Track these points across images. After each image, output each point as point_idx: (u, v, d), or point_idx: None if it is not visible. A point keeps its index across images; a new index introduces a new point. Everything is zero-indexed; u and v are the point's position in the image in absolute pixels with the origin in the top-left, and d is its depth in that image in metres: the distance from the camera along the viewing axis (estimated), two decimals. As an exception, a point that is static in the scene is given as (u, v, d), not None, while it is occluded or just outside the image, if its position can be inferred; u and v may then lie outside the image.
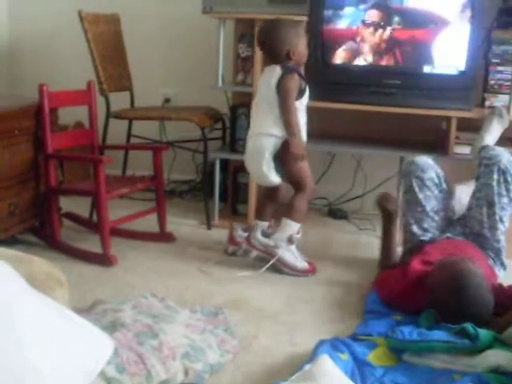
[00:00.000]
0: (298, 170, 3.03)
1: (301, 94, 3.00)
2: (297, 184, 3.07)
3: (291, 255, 3.01)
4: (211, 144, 3.66)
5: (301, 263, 3.02)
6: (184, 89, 4.27)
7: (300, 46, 3.01)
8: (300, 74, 3.01)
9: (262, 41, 3.08)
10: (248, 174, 3.49)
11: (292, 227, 3.02)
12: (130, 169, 3.90)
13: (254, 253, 3.11)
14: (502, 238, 2.84)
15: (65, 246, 3.16)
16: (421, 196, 2.90)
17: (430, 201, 2.91)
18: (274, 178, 3.01)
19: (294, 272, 2.99)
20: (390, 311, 2.49)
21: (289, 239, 3.01)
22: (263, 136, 2.98)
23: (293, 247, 3.02)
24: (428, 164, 2.96)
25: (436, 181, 2.95)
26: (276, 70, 2.99)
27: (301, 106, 3.02)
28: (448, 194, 3.00)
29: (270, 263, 2.98)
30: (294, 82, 2.97)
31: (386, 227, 2.99)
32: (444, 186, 2.97)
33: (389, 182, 3.82)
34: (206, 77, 3.75)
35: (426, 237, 2.88)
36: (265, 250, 3.04)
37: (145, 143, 4.04)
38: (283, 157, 2.98)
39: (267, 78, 3.03)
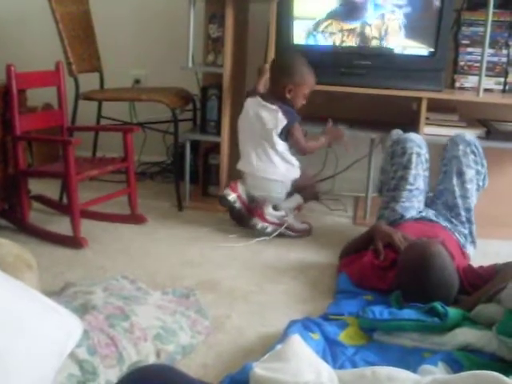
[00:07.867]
0: None
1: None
2: None
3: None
4: (182, 125, 3.64)
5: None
6: (154, 70, 4.24)
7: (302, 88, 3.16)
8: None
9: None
10: (218, 156, 3.52)
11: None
12: (100, 151, 3.88)
13: (270, 227, 3.18)
14: (473, 209, 2.89)
15: (34, 229, 3.13)
16: (414, 173, 2.90)
17: (419, 180, 2.92)
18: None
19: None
20: (361, 291, 2.50)
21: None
22: (267, 181, 3.20)
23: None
24: (421, 139, 2.99)
25: (428, 157, 2.98)
26: (278, 116, 3.11)
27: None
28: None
29: (279, 230, 3.17)
30: (300, 131, 3.20)
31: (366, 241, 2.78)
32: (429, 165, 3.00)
33: (359, 163, 3.83)
34: (176, 58, 3.73)
35: (406, 216, 2.89)
36: (279, 221, 3.19)
37: (115, 125, 4.01)
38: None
39: (263, 119, 3.16)
